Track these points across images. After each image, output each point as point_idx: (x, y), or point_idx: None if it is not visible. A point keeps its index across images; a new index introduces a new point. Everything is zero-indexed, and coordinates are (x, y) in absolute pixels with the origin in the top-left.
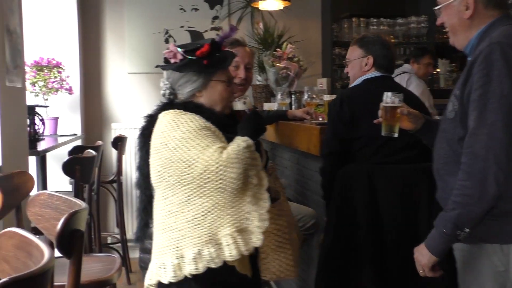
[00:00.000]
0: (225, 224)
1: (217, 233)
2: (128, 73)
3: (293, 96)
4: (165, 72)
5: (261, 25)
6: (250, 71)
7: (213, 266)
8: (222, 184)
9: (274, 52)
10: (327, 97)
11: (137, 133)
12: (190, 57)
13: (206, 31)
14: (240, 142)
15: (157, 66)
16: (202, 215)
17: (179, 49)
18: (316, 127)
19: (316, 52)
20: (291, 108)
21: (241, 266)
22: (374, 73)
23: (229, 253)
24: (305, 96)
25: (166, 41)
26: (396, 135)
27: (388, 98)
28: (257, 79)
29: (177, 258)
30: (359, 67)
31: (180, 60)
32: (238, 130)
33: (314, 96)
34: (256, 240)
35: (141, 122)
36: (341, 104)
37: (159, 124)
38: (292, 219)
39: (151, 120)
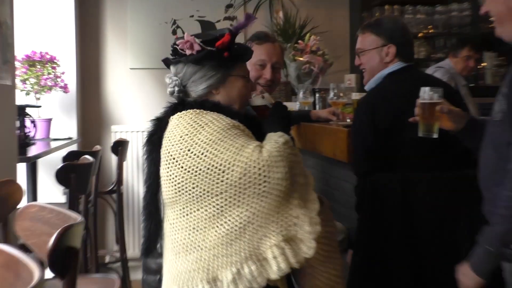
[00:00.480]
0: (269, 234)
1: (260, 246)
2: (131, 69)
3: (317, 95)
4: (172, 67)
5: (281, 14)
6: (278, 72)
7: (255, 286)
8: (267, 188)
9: (296, 45)
10: (355, 96)
11: (140, 136)
12: (209, 48)
13: (218, 21)
14: (276, 138)
15: (165, 60)
16: (240, 227)
17: (196, 38)
18: (344, 129)
19: (344, 45)
20: (314, 108)
21: (282, 285)
22: (397, 64)
23: (277, 267)
24: (331, 94)
25: (174, 32)
26: (435, 135)
27: (426, 93)
28: None
29: (209, 283)
30: (378, 58)
31: (197, 51)
32: (265, 126)
33: (341, 94)
34: (307, 249)
35: (147, 127)
36: (374, 110)
37: (175, 128)
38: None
39: (160, 124)
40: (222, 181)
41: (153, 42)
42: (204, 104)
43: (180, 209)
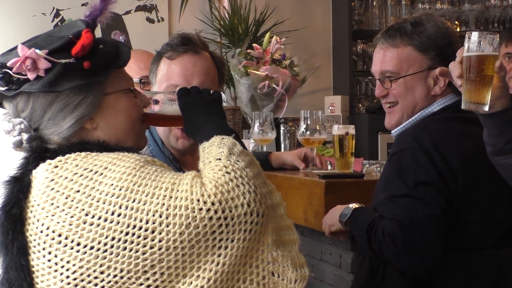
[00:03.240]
0: None
1: None
2: None
3: (281, 128)
4: (8, 104)
5: (225, 2)
6: None
7: None
8: (226, 234)
9: (249, 50)
10: (339, 130)
11: None
12: (63, 60)
13: (129, 12)
14: (215, 150)
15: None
16: None
17: (38, 51)
18: (320, 181)
19: (324, 50)
20: (278, 148)
21: None
22: (450, 98)
23: None
24: (302, 127)
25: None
26: (486, 108)
27: (473, 41)
28: None
29: None
30: (423, 88)
31: (46, 70)
32: (186, 132)
33: (318, 128)
34: None
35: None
36: (441, 159)
37: (51, 186)
38: None
39: (20, 186)
40: (152, 249)
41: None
42: (85, 146)
43: None
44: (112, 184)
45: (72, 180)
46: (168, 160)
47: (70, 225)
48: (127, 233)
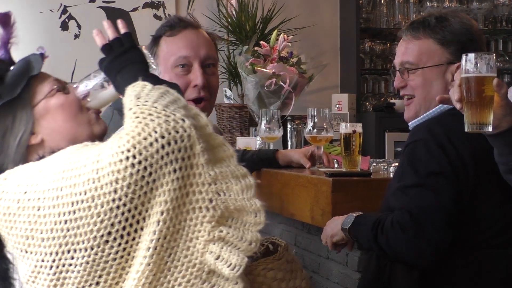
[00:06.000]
0: (193, 232)
1: (191, 260)
2: None
3: (288, 125)
4: None
5: None
6: (214, 73)
7: None
8: (155, 174)
9: (256, 48)
10: (347, 128)
11: None
12: None
13: (136, 9)
14: (127, 101)
15: None
16: (153, 261)
17: None
18: (327, 179)
19: (331, 48)
20: (284, 146)
21: None
22: None
23: (228, 266)
24: (309, 125)
25: (64, 26)
26: (490, 129)
27: (470, 62)
28: (225, 94)
29: None
30: (441, 82)
31: None
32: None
33: (325, 126)
34: (255, 215)
35: None
36: (455, 153)
37: (2, 202)
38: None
39: None
40: (99, 217)
41: (31, 41)
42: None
43: None
44: (52, 171)
45: (19, 184)
46: None
47: (29, 224)
48: (74, 212)
